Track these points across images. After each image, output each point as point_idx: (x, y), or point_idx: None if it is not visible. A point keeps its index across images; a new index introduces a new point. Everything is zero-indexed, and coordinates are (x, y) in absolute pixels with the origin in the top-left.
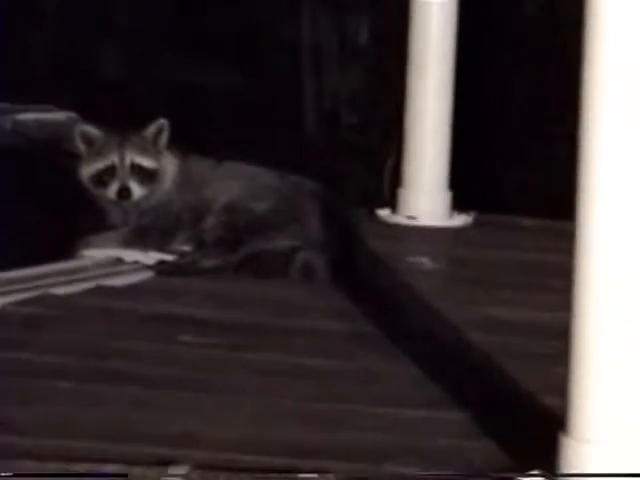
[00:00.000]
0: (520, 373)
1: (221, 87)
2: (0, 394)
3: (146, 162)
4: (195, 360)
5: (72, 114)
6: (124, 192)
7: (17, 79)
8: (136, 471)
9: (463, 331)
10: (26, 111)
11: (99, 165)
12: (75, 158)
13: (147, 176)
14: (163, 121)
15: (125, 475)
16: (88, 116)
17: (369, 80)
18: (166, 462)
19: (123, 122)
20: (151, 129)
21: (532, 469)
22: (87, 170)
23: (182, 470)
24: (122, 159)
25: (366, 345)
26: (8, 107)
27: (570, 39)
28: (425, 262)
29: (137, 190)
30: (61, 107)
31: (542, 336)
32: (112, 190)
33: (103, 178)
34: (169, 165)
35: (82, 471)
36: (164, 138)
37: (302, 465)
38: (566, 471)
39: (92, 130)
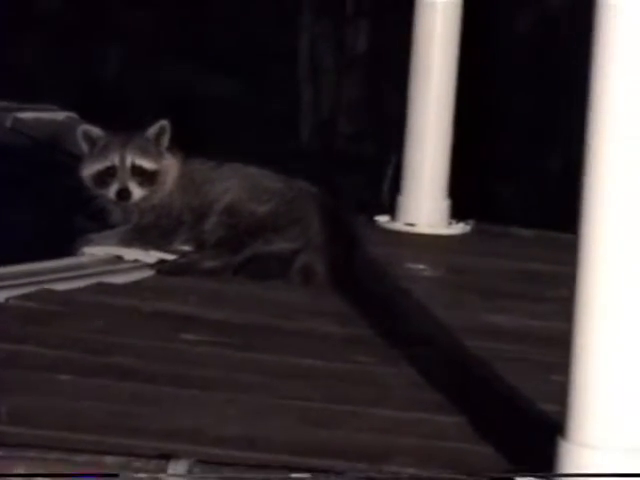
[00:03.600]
0: (517, 379)
1: (220, 96)
2: (1, 385)
3: (147, 163)
4: (196, 358)
5: (72, 114)
6: (124, 193)
7: (17, 78)
8: (137, 464)
9: (461, 337)
10: (26, 109)
11: (99, 166)
12: (75, 157)
13: (147, 177)
14: (165, 122)
15: (116, 475)
16: (87, 117)
17: (366, 90)
18: (167, 456)
19: (125, 123)
20: (153, 130)
21: (529, 472)
22: (88, 170)
23: (183, 465)
24: (123, 160)
25: (364, 348)
26: (8, 105)
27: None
28: (423, 269)
29: (137, 191)
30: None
31: (537, 343)
32: (112, 191)
33: (104, 178)
34: (170, 166)
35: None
36: (166, 139)
37: (301, 463)
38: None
39: (94, 130)
